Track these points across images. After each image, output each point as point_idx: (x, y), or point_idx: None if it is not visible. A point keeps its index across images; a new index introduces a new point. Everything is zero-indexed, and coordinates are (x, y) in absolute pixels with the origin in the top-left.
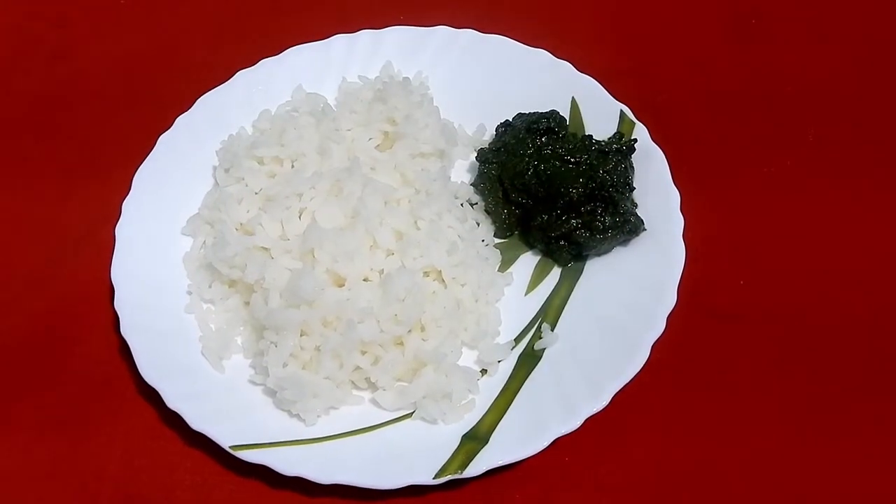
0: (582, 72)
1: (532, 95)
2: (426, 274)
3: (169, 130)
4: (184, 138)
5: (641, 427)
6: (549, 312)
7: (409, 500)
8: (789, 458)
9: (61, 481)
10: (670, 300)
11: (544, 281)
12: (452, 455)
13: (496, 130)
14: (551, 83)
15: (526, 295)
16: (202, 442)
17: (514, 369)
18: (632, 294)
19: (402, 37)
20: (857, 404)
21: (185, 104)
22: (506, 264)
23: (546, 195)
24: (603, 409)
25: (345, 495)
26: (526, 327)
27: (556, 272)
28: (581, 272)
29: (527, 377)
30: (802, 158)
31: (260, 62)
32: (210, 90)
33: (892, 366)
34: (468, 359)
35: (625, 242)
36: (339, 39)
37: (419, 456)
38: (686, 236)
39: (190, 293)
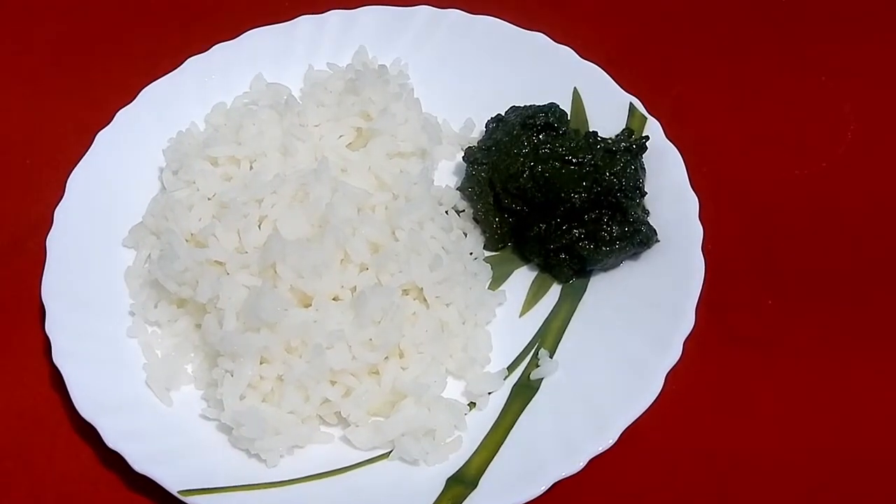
0: (585, 58)
1: (528, 86)
2: (405, 292)
3: (108, 126)
4: (125, 135)
5: (653, 468)
6: (548, 337)
7: None
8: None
9: None
10: (687, 322)
11: (542, 300)
12: (436, 501)
13: (486, 126)
14: (550, 72)
15: (521, 316)
16: (147, 486)
17: (507, 402)
18: (643, 315)
19: (378, 18)
20: None
21: (127, 96)
22: (497, 281)
23: (544, 201)
24: (609, 448)
25: None
26: (521, 354)
27: (555, 290)
28: (584, 290)
29: (522, 411)
30: (840, 160)
31: (213, 47)
32: (156, 80)
33: None
34: (454, 390)
35: (635, 256)
36: (305, 21)
37: (397, 502)
38: (705, 248)
39: (133, 314)
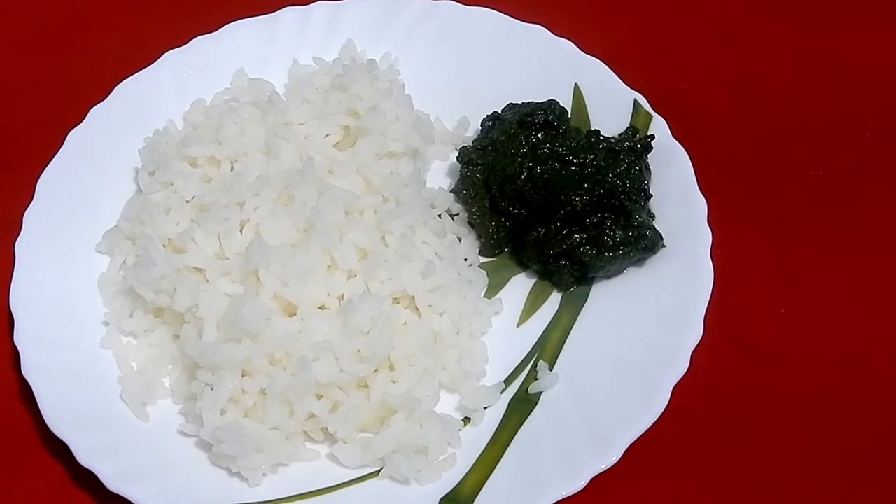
0: (587, 52)
1: (526, 82)
2: (396, 301)
3: (81, 125)
4: (99, 134)
5: (659, 488)
6: (547, 348)
7: None
8: None
9: None
10: (695, 332)
11: (541, 309)
12: None
13: (482, 125)
14: (549, 66)
15: (518, 326)
16: None
17: (503, 418)
18: (648, 325)
19: (367, 9)
20: None
21: (101, 92)
22: (494, 289)
23: (543, 204)
24: (612, 466)
25: None
26: (518, 366)
27: (555, 298)
28: (586, 298)
29: (519, 427)
30: (857, 160)
31: (192, 40)
32: (131, 75)
33: None
34: (448, 405)
35: (639, 262)
36: (290, 13)
37: None
38: (714, 254)
39: (107, 324)
